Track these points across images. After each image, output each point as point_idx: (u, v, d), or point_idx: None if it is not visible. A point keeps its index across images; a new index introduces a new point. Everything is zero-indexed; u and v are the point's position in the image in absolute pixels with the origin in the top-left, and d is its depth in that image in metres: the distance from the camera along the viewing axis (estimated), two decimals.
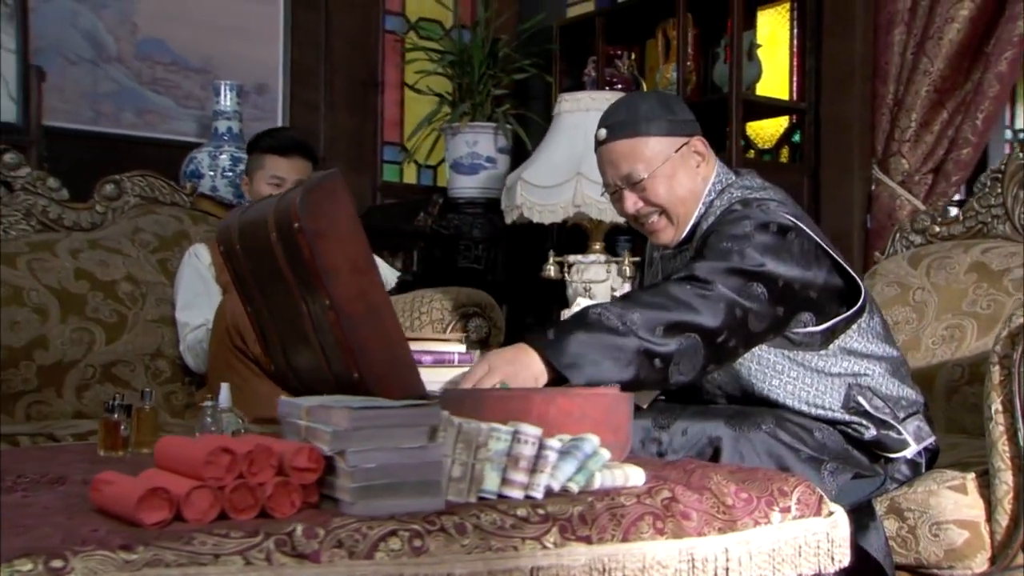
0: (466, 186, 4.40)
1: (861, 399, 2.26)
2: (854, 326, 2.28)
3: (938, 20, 3.81)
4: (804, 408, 2.24)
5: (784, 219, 2.15)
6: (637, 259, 3.52)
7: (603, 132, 2.28)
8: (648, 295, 2.05)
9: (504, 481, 1.50)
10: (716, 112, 3.98)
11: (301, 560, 1.24)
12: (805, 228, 2.17)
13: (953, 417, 2.76)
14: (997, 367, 2.13)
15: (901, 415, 2.29)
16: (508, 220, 3.77)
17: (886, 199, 3.90)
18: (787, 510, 1.67)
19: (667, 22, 4.33)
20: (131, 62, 4.26)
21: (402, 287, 3.68)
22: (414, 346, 2.05)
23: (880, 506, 2.23)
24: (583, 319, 1.99)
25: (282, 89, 4.56)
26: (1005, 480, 2.12)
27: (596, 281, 3.56)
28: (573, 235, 4.07)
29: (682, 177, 2.26)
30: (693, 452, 2.16)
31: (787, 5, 4.26)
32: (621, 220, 3.51)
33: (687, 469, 1.72)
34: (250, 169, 3.26)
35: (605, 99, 3.66)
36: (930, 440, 2.29)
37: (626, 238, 4.24)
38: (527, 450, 1.51)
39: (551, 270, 3.66)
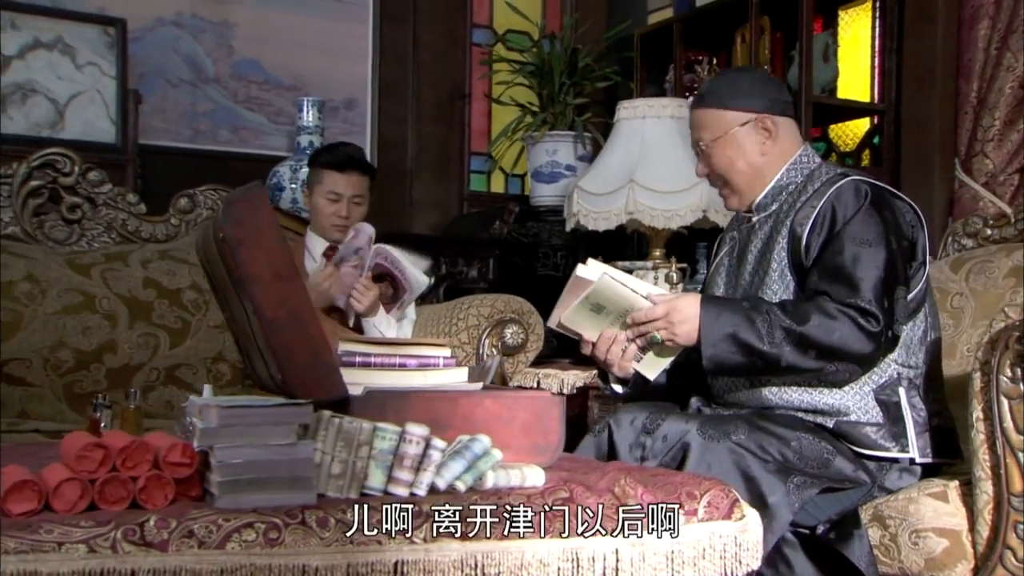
0: (546, 194, 4.45)
1: (902, 391, 2.25)
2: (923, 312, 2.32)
3: None
4: (815, 398, 2.23)
5: (895, 194, 2.31)
6: (683, 265, 3.50)
7: (693, 98, 2.45)
8: (813, 321, 2.13)
9: (390, 479, 1.57)
10: None
11: (148, 549, 1.34)
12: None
13: None
14: (978, 373, 2.06)
15: (935, 422, 2.27)
16: (568, 227, 3.81)
17: (969, 201, 3.75)
18: (693, 513, 1.68)
19: (745, 26, 4.28)
20: (227, 82, 4.51)
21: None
22: (402, 350, 2.13)
23: (865, 514, 2.18)
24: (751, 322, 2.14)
25: (371, 103, 4.73)
26: (985, 490, 2.04)
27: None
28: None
29: (743, 150, 2.36)
30: (667, 458, 2.17)
31: (869, 4, 4.14)
32: (674, 226, 3.53)
33: (605, 472, 1.75)
34: (310, 183, 3.40)
35: (662, 106, 3.67)
36: (928, 460, 2.25)
37: (704, 244, 4.21)
38: (412, 449, 1.57)
39: None
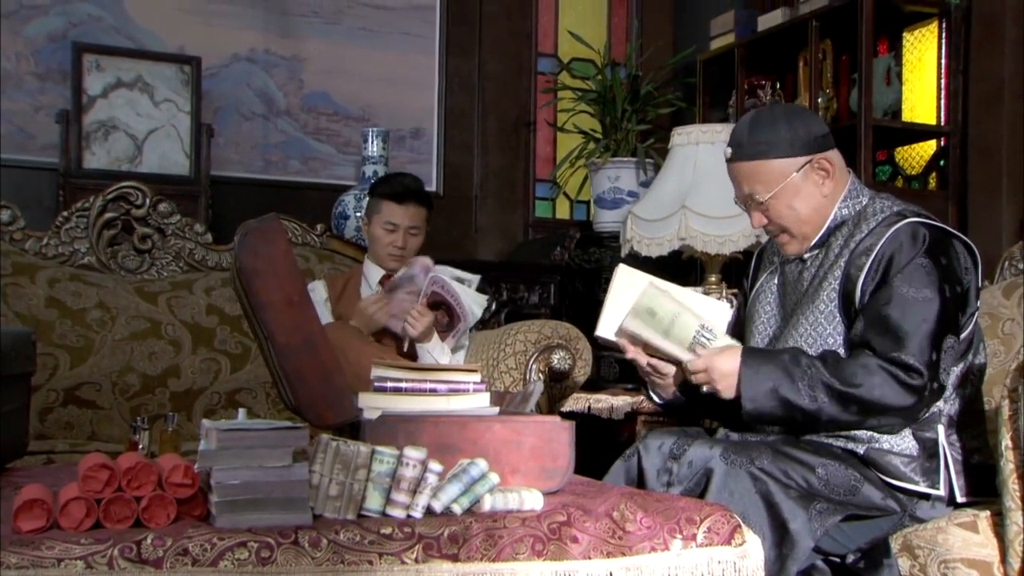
0: (608, 220, 4.47)
1: (940, 428, 2.22)
2: (971, 354, 2.28)
3: None
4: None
5: (952, 234, 2.26)
6: (735, 291, 3.49)
7: (729, 151, 2.34)
8: (854, 379, 2.12)
9: (388, 501, 1.61)
10: (851, 138, 3.88)
11: (143, 566, 1.41)
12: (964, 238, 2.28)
13: None
14: (1007, 401, 2.02)
15: (975, 459, 2.23)
16: (623, 253, 3.82)
17: None
18: (692, 537, 1.68)
19: (807, 50, 4.26)
20: (298, 114, 4.66)
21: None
22: (433, 375, 2.17)
23: (894, 544, 2.16)
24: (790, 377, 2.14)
25: (437, 132, 4.83)
26: (1015, 520, 2.00)
27: None
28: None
29: (804, 196, 2.29)
30: (692, 483, 2.18)
31: (934, 24, 4.09)
32: (727, 252, 3.53)
33: (608, 496, 1.77)
34: (369, 212, 3.47)
35: (716, 131, 3.66)
36: (965, 500, 2.21)
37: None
38: (409, 472, 1.61)
39: None
